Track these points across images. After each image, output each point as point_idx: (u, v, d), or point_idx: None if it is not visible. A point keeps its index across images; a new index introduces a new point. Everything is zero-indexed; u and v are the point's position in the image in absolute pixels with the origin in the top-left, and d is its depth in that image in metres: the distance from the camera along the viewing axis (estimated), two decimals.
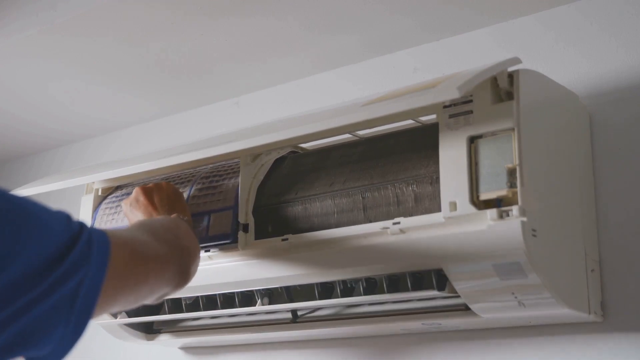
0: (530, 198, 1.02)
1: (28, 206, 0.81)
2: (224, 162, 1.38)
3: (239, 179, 1.31)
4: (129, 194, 1.45)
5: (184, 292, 1.26)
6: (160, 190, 1.29)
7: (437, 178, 1.09)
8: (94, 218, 1.49)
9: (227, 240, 1.28)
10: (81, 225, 0.86)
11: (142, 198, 1.27)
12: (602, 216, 1.22)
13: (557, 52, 1.33)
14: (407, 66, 1.50)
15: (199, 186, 1.36)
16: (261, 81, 1.69)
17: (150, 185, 1.31)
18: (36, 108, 1.88)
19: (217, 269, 1.29)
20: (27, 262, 0.77)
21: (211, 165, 1.40)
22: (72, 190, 1.59)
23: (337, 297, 1.26)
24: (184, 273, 1.07)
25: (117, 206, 1.47)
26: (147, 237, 1.03)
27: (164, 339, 1.54)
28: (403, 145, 1.22)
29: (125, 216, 1.31)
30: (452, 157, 1.07)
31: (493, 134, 1.05)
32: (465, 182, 1.05)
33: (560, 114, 1.19)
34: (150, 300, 1.04)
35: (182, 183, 1.40)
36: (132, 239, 0.99)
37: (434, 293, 1.14)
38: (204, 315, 1.44)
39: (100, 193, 1.56)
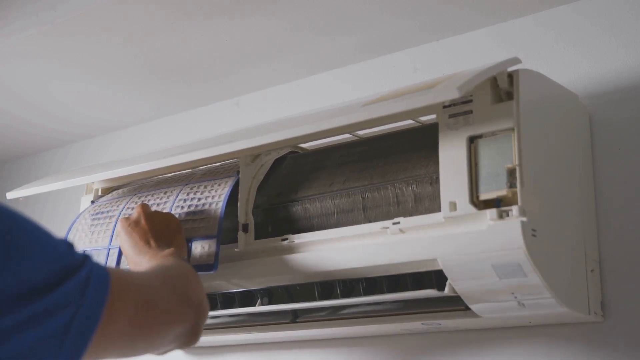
0: (530, 198, 1.02)
1: (26, 225, 0.78)
2: (205, 179, 1.36)
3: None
4: (101, 212, 1.43)
5: None
6: (162, 219, 1.24)
7: (437, 178, 1.09)
8: (67, 232, 1.47)
9: (209, 270, 1.24)
10: (84, 258, 0.82)
11: (143, 222, 1.21)
12: (602, 216, 1.22)
13: (557, 52, 1.33)
14: (407, 66, 1.50)
15: (178, 209, 1.33)
16: (261, 81, 1.69)
17: (154, 211, 1.26)
18: (36, 108, 1.88)
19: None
20: (15, 279, 0.74)
21: (190, 184, 1.37)
22: (72, 190, 1.60)
23: (337, 297, 1.26)
24: (196, 333, 1.01)
25: (93, 221, 1.45)
26: (164, 287, 0.97)
27: None
28: (403, 145, 1.22)
29: (117, 233, 1.25)
30: (452, 157, 1.07)
31: (493, 134, 1.06)
32: (465, 182, 1.05)
33: (560, 114, 1.19)
34: (151, 353, 0.98)
35: (158, 204, 1.37)
36: (144, 285, 0.93)
37: (434, 293, 1.14)
38: None
39: (100, 193, 1.56)
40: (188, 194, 1.34)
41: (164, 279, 1.00)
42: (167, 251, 1.15)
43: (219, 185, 1.32)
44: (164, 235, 1.21)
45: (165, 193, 1.38)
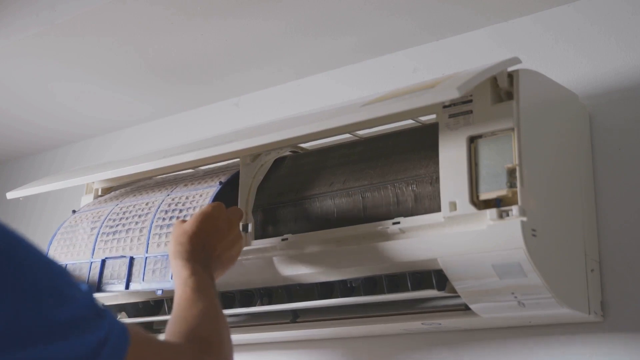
0: (530, 198, 1.02)
1: (47, 266, 0.77)
2: (187, 189, 1.33)
3: (240, 182, 1.30)
4: (81, 224, 1.39)
5: None
6: (235, 242, 1.18)
7: (437, 178, 1.09)
8: (49, 244, 1.45)
9: None
10: (104, 313, 0.79)
11: (223, 226, 1.14)
12: (602, 216, 1.22)
13: (557, 52, 1.33)
14: (407, 66, 1.50)
15: (160, 221, 1.30)
16: (261, 81, 1.69)
17: (239, 236, 1.19)
18: (36, 108, 1.88)
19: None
20: (25, 315, 0.73)
21: (172, 194, 1.34)
22: (72, 190, 1.60)
23: (337, 297, 1.26)
24: None
25: (75, 234, 1.42)
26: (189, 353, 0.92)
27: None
28: (403, 145, 1.22)
29: (190, 217, 1.18)
30: (452, 157, 1.07)
31: (493, 134, 1.06)
32: (465, 182, 1.05)
33: (560, 114, 1.19)
34: None
35: (140, 216, 1.35)
36: (166, 355, 0.89)
37: (434, 293, 1.14)
38: None
39: (100, 193, 1.56)
40: (169, 205, 1.32)
41: (194, 340, 0.95)
42: (208, 277, 1.09)
43: (200, 196, 1.31)
44: (221, 254, 1.15)
45: (147, 204, 1.36)
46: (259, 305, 1.35)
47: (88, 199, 1.55)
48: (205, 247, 1.12)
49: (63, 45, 1.56)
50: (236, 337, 1.48)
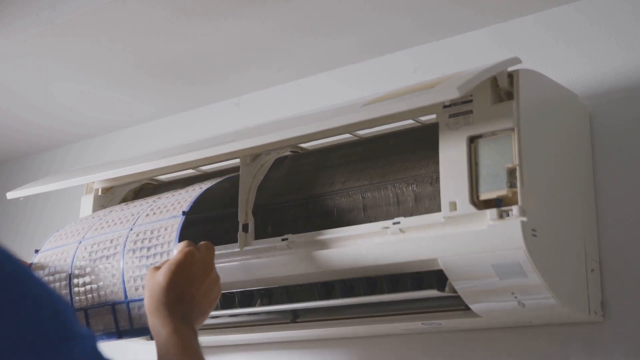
0: (530, 198, 1.02)
1: (58, 304, 0.75)
2: (150, 221, 1.26)
3: (240, 187, 1.30)
4: (56, 271, 1.30)
5: None
6: (213, 285, 1.11)
7: (437, 178, 1.10)
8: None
9: None
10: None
11: (198, 273, 1.08)
12: (602, 216, 1.22)
13: (557, 52, 1.33)
14: (407, 67, 1.50)
15: (130, 263, 1.22)
16: (261, 81, 1.69)
17: (216, 278, 1.12)
18: (36, 108, 1.88)
19: (216, 269, 1.29)
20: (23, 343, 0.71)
21: (134, 228, 1.26)
22: (72, 190, 1.60)
23: (337, 297, 1.26)
24: None
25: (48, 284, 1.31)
26: None
27: None
28: (403, 145, 1.22)
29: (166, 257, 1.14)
30: (452, 157, 1.07)
31: (493, 134, 1.06)
32: (465, 182, 1.05)
33: (560, 114, 1.19)
34: None
35: (107, 257, 1.27)
36: None
37: (434, 293, 1.14)
38: None
39: (100, 193, 1.56)
40: (135, 243, 1.23)
41: None
42: (189, 331, 1.04)
43: (165, 229, 1.22)
44: (200, 300, 1.08)
45: (111, 242, 1.27)
46: (259, 305, 1.35)
47: (88, 198, 1.54)
48: (182, 298, 1.06)
49: (63, 45, 1.56)
50: (236, 337, 1.49)
